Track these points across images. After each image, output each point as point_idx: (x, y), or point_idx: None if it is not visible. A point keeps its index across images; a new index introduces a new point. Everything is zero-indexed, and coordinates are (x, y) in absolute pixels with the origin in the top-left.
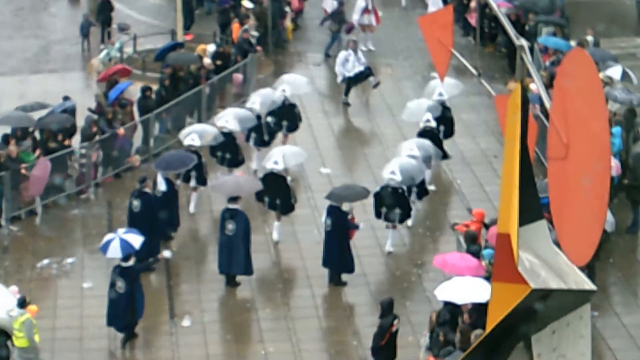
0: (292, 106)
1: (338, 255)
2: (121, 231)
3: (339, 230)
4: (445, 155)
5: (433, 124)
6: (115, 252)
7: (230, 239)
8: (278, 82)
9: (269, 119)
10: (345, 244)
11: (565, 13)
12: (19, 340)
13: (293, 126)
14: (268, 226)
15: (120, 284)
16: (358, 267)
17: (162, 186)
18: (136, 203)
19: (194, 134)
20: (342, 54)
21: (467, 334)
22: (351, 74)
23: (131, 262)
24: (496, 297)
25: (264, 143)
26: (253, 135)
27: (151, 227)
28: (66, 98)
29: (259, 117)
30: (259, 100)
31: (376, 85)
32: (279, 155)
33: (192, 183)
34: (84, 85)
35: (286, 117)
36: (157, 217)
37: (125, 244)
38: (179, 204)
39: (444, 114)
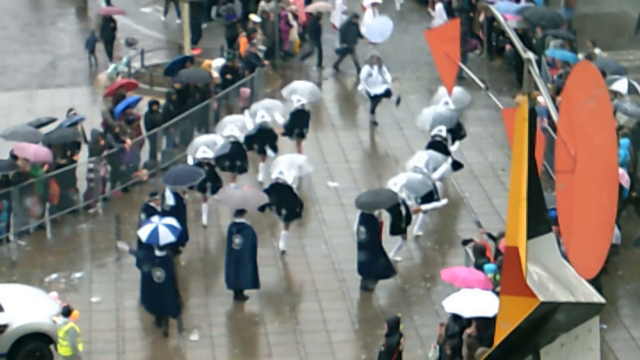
0: (308, 114)
1: (374, 263)
2: (156, 219)
3: (374, 238)
4: (458, 165)
5: (444, 134)
6: (168, 237)
7: (237, 253)
8: (288, 90)
9: (295, 130)
10: (381, 250)
11: (572, 26)
12: (63, 349)
13: (305, 134)
14: (276, 239)
15: (160, 274)
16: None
17: (170, 200)
18: (143, 217)
19: (204, 146)
20: (365, 69)
21: (474, 347)
22: (375, 92)
23: (165, 251)
24: (505, 310)
25: (276, 150)
26: (268, 144)
27: None
28: (70, 111)
29: (271, 129)
30: (266, 112)
31: (398, 101)
32: (284, 165)
33: (207, 193)
34: (92, 100)
35: (305, 124)
36: None
37: (172, 228)
38: (188, 218)
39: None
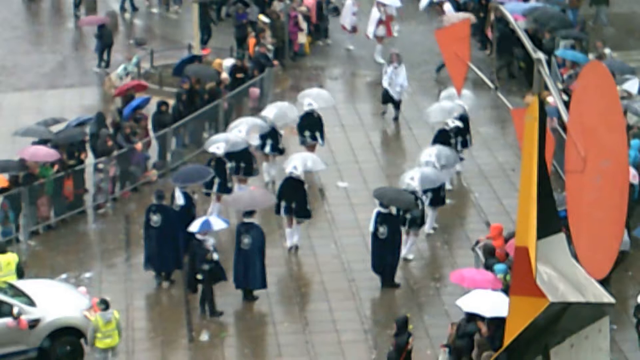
0: (320, 118)
1: (394, 262)
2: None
3: (396, 238)
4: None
5: (451, 124)
6: (219, 224)
7: (246, 253)
8: (300, 96)
9: (306, 132)
10: (399, 249)
11: (585, 28)
12: (113, 339)
13: (322, 137)
14: (285, 239)
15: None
16: (376, 281)
17: (180, 200)
18: (155, 218)
19: (220, 143)
20: (384, 67)
21: (484, 348)
22: (390, 89)
23: (201, 236)
24: (515, 310)
25: (279, 151)
26: (269, 142)
27: (173, 240)
28: (99, 114)
29: (273, 127)
30: (274, 111)
31: (382, 113)
32: (299, 161)
33: (214, 189)
34: (101, 100)
35: (316, 128)
36: (177, 231)
37: (221, 217)
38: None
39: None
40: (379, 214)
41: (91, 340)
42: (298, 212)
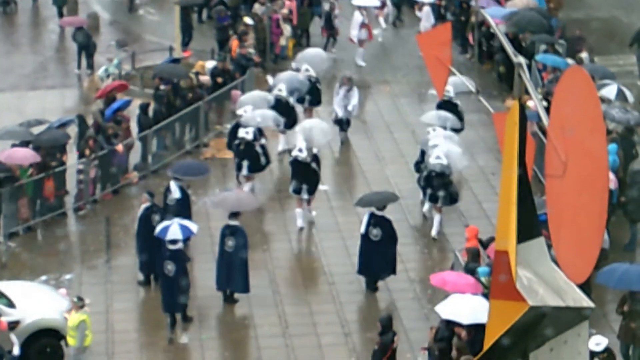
0: (316, 81)
1: (387, 262)
2: (176, 220)
3: (392, 239)
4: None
5: (452, 94)
6: (175, 234)
7: (229, 255)
8: (297, 60)
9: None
10: (395, 245)
11: (565, 33)
12: (90, 337)
13: (317, 100)
14: (266, 242)
15: (170, 267)
16: (356, 285)
17: (176, 194)
18: (157, 218)
19: (250, 128)
20: (336, 87)
21: (463, 351)
22: (338, 113)
23: (179, 245)
24: (494, 314)
25: (290, 126)
26: (283, 119)
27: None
28: (79, 117)
29: (287, 102)
30: (285, 86)
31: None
32: (302, 143)
33: (244, 172)
34: (82, 101)
35: (310, 92)
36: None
37: (184, 228)
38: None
39: (451, 110)
40: (372, 215)
41: (82, 339)
42: (309, 190)
